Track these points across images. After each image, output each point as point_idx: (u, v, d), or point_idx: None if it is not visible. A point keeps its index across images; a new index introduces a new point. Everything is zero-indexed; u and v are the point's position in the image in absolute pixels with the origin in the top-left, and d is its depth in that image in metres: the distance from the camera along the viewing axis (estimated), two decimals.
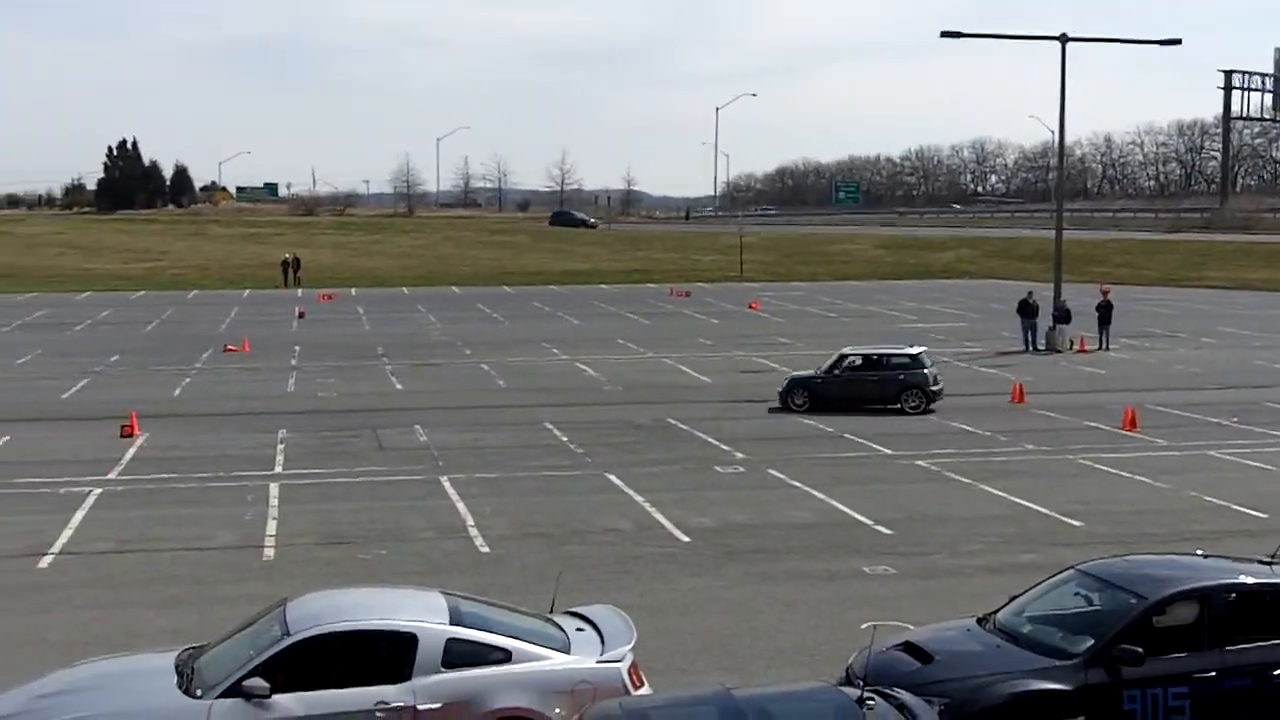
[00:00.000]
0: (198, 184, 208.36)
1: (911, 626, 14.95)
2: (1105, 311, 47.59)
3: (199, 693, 11.77)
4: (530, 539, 21.39)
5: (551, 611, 13.59)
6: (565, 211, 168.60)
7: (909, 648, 13.19)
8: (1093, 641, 12.62)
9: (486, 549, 20.86)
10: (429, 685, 11.90)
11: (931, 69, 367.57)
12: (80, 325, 58.63)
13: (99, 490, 24.92)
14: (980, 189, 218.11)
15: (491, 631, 12.40)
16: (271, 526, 22.24)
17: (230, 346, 48.73)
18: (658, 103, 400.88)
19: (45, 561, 20.26)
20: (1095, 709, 12.28)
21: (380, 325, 58.11)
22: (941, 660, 12.84)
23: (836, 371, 34.41)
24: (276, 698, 11.65)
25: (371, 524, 22.39)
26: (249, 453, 28.64)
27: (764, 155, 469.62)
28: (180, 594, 18.56)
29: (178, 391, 38.35)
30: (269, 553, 20.74)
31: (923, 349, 35.68)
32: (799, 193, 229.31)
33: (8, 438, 30.30)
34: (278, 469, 27.06)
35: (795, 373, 35.95)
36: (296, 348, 48.99)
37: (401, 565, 19.77)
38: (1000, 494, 24.39)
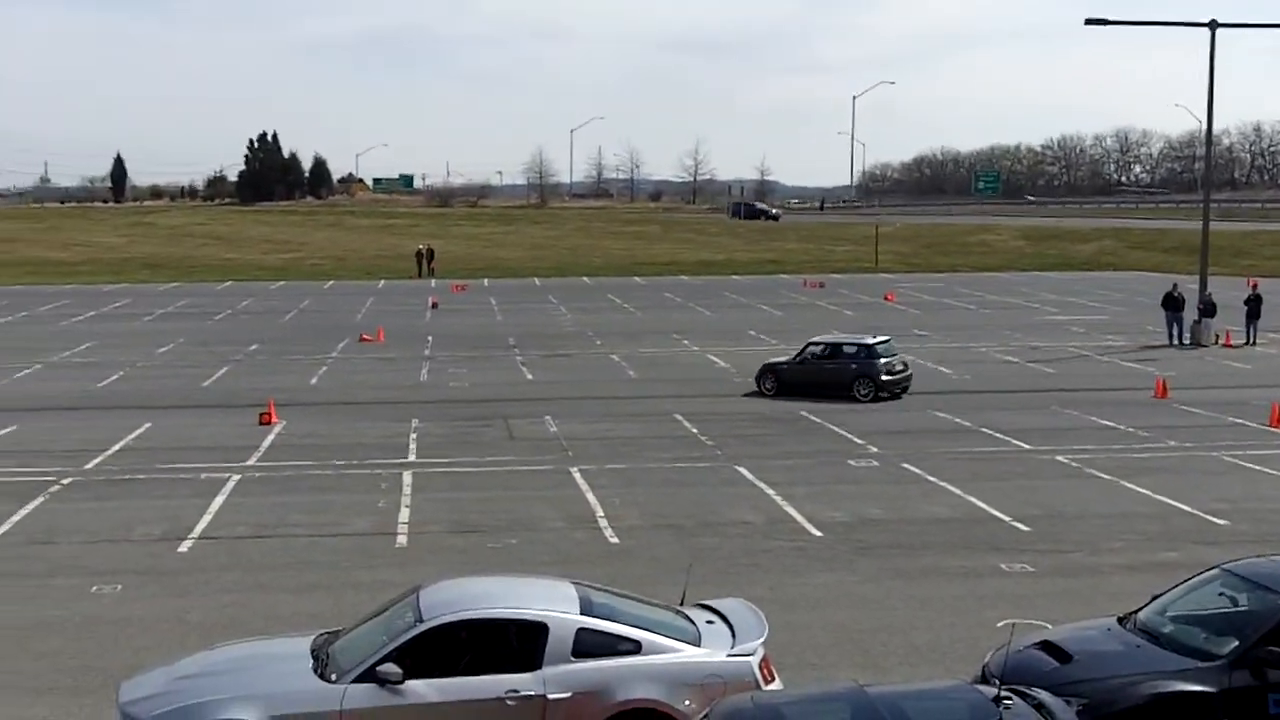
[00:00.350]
0: (335, 176, 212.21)
1: (1049, 625, 14.66)
2: (1254, 305, 46.35)
3: (334, 677, 11.87)
4: (660, 530, 21.33)
5: (682, 604, 13.49)
6: (747, 203, 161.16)
7: (1047, 647, 12.91)
8: (1238, 643, 12.25)
9: (616, 540, 20.84)
10: (559, 675, 11.88)
11: (1075, 56, 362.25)
12: (221, 315, 59.79)
13: (238, 476, 25.35)
14: (1124, 179, 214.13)
15: (622, 622, 12.35)
16: (404, 514, 22.44)
17: (365, 336, 49.35)
18: (792, 91, 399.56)
19: (185, 546, 20.63)
20: (1239, 712, 11.92)
21: (512, 316, 58.47)
22: (1081, 660, 12.55)
23: (800, 359, 35.67)
24: (409, 683, 11.71)
25: (502, 513, 22.49)
26: (383, 441, 28.94)
27: (901, 144, 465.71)
28: (316, 579, 18.79)
29: (314, 380, 38.92)
30: (402, 540, 20.92)
31: (882, 340, 35.70)
32: (937, 182, 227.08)
33: (150, 424, 30.95)
34: (411, 457, 27.30)
35: (770, 360, 37.09)
36: (430, 338, 49.47)
37: (531, 555, 19.82)
38: (1142, 491, 23.82)
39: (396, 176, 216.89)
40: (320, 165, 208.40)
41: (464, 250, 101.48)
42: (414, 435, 29.55)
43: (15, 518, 22.23)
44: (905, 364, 35.65)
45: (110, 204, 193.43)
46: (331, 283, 78.35)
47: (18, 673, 15.17)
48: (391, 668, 11.71)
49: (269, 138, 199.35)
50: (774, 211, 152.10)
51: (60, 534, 21.29)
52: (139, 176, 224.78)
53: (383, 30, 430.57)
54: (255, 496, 23.80)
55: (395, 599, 13.22)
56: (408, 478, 25.15)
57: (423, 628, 12.00)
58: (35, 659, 15.60)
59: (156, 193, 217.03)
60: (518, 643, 12.02)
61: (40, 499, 23.57)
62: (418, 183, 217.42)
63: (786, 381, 35.23)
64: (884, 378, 34.28)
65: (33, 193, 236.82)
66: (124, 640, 16.23)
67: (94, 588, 18.40)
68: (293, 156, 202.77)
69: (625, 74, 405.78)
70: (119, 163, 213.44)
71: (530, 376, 39.48)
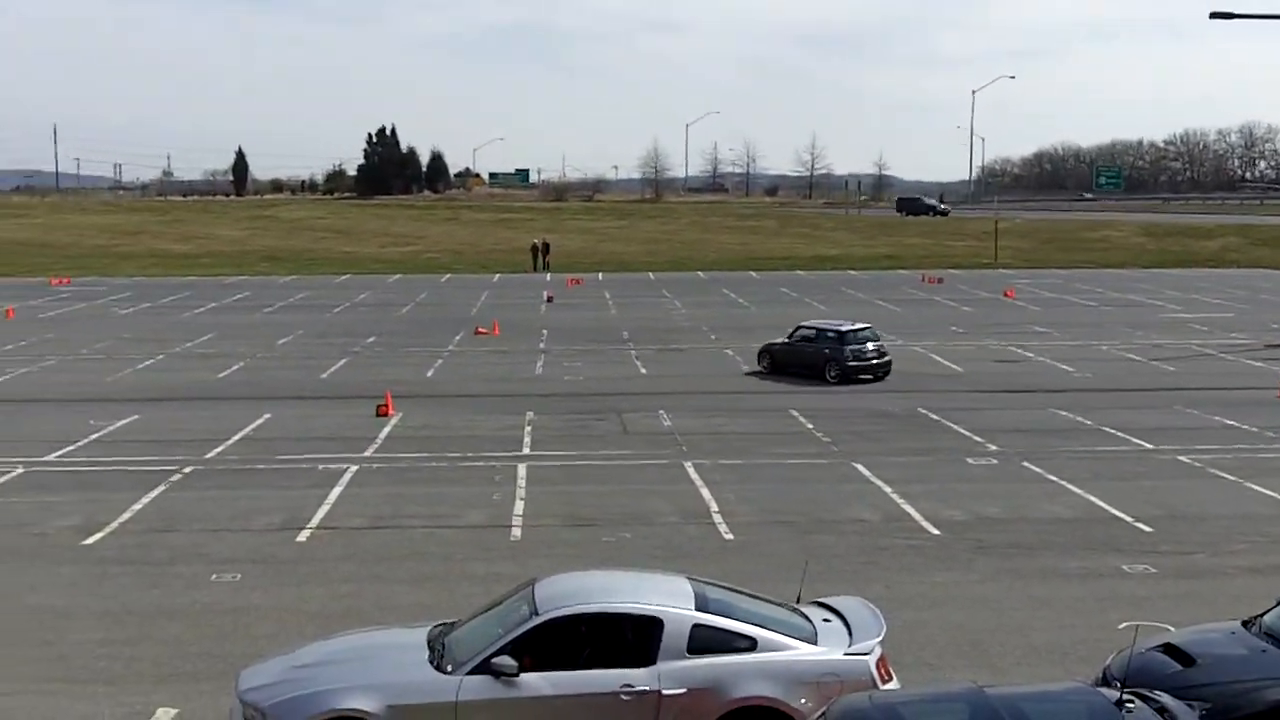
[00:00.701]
0: (452, 170, 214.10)
1: (1172, 628, 14.32)
2: None
3: (449, 668, 11.91)
4: (775, 527, 21.18)
5: (798, 601, 13.37)
6: (913, 198, 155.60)
7: (1170, 650, 12.65)
8: None
9: (730, 536, 20.73)
10: (674, 670, 11.82)
11: (1199, 51, 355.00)
12: (339, 307, 60.49)
13: (355, 467, 25.60)
14: (1248, 175, 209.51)
15: (737, 619, 12.26)
16: (519, 507, 22.51)
17: (481, 329, 49.66)
18: (910, 85, 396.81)
19: (303, 535, 20.87)
20: None
21: (626, 310, 58.52)
22: (1204, 664, 12.28)
23: (789, 342, 38.63)
24: (524, 676, 11.72)
25: (615, 507, 22.48)
26: (498, 434, 29.08)
27: (1021, 138, 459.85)
28: (431, 570, 18.91)
29: (430, 373, 39.22)
30: (516, 532, 20.98)
31: (858, 328, 37.74)
32: (1057, 177, 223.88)
33: (269, 415, 31.38)
34: (525, 450, 27.40)
35: (768, 341, 39.95)
36: (544, 331, 49.67)
37: (645, 549, 19.78)
38: (1266, 492, 23.25)
39: (513, 171, 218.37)
40: (438, 160, 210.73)
41: (579, 244, 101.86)
42: (528, 428, 29.66)
43: (138, 505, 22.64)
44: (881, 351, 37.45)
45: (232, 197, 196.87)
46: (448, 276, 78.98)
47: (139, 659, 15.43)
48: (507, 660, 11.73)
49: (388, 132, 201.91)
50: (942, 207, 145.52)
51: (181, 522, 21.64)
52: (260, 170, 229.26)
53: (501, 26, 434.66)
54: (372, 487, 24.02)
55: (510, 592, 13.25)
56: (522, 471, 25.24)
57: (538, 621, 12.01)
58: (156, 645, 15.86)
59: (277, 186, 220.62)
60: (632, 638, 11.98)
61: (162, 487, 23.99)
62: (533, 177, 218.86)
63: (778, 361, 38.34)
64: (850, 363, 36.54)
65: (156, 186, 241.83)
66: (242, 628, 16.45)
67: (214, 576, 18.67)
68: (411, 151, 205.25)
69: (742, 67, 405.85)
70: (240, 157, 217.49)
71: (644, 371, 39.47)
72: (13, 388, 36.39)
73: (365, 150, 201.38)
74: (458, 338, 47.82)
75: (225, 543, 20.39)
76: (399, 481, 24.54)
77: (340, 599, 17.61)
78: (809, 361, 37.35)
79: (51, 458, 26.70)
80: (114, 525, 21.40)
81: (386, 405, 31.55)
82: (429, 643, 12.50)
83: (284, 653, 13.05)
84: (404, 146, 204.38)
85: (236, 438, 28.60)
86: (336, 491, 23.63)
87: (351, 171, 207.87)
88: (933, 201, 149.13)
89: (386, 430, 29.44)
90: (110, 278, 78.14)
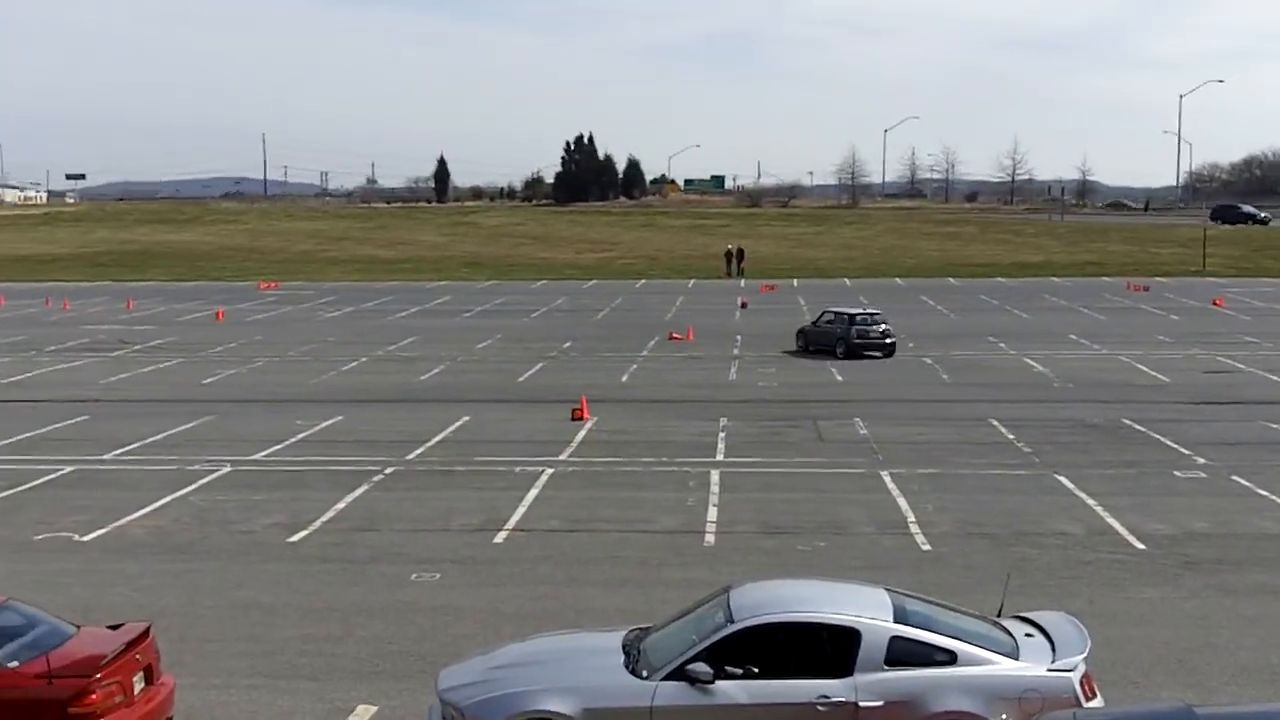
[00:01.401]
0: (648, 177, 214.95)
1: None
2: None
3: (645, 673, 11.90)
4: (974, 539, 20.78)
5: (999, 615, 13.07)
6: (1230, 205, 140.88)
7: None
8: None
9: (928, 547, 20.39)
10: (871, 682, 11.64)
11: None
12: (536, 312, 61.26)
13: (551, 470, 25.84)
14: None
15: (936, 631, 12.03)
16: (712, 513, 22.46)
17: (675, 335, 49.82)
18: (1114, 88, 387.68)
19: (500, 536, 21.12)
20: None
21: None
22: None
23: (816, 324, 46.25)
24: (719, 683, 11.65)
25: (810, 515, 22.29)
26: (691, 439, 29.08)
27: (1230, 143, 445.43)
28: (626, 574, 18.96)
29: (625, 377, 39.45)
30: (710, 539, 20.93)
31: (866, 313, 45.21)
32: (1268, 183, 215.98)
33: (468, 417, 31.87)
34: (719, 456, 27.35)
35: (802, 324, 47.99)
36: (738, 337, 49.62)
37: (840, 559, 19.57)
38: None
39: (708, 177, 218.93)
40: (634, 166, 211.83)
41: (773, 250, 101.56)
42: (722, 434, 29.61)
43: (341, 505, 23.17)
44: (886, 333, 44.20)
45: (433, 204, 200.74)
46: (642, 282, 79.46)
47: (342, 655, 15.75)
48: (702, 667, 11.67)
49: (585, 140, 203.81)
50: (1263, 215, 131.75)
51: (382, 522, 22.08)
52: (461, 177, 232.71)
53: (699, 34, 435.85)
54: (568, 490, 24.21)
55: (706, 598, 13.19)
56: (715, 476, 25.20)
57: (734, 628, 11.93)
58: (358, 643, 16.18)
59: (477, 193, 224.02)
60: (829, 648, 11.82)
61: (364, 487, 24.51)
62: (728, 183, 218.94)
63: (810, 339, 45.58)
64: (855, 341, 43.70)
65: (360, 193, 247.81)
66: (441, 627, 16.68)
67: (414, 575, 18.99)
68: (608, 158, 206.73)
69: (941, 72, 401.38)
70: (442, 164, 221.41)
71: (840, 378, 39.14)
72: (222, 389, 37.61)
73: (563, 158, 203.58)
74: (652, 343, 48.03)
75: (424, 543, 20.74)
76: (594, 485, 24.70)
77: (537, 600, 17.76)
78: (826, 340, 44.57)
79: (258, 456, 27.50)
80: (317, 524, 21.93)
81: (582, 409, 31.80)
82: (624, 647, 12.51)
83: (482, 653, 13.18)
84: (601, 154, 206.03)
85: (436, 439, 29.11)
86: (533, 494, 23.87)
87: (549, 179, 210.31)
88: (1252, 209, 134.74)
89: (582, 434, 29.67)
90: (316, 282, 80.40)
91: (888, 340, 43.97)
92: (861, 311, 45.37)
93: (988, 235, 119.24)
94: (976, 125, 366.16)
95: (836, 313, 45.44)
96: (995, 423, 30.67)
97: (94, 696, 11.80)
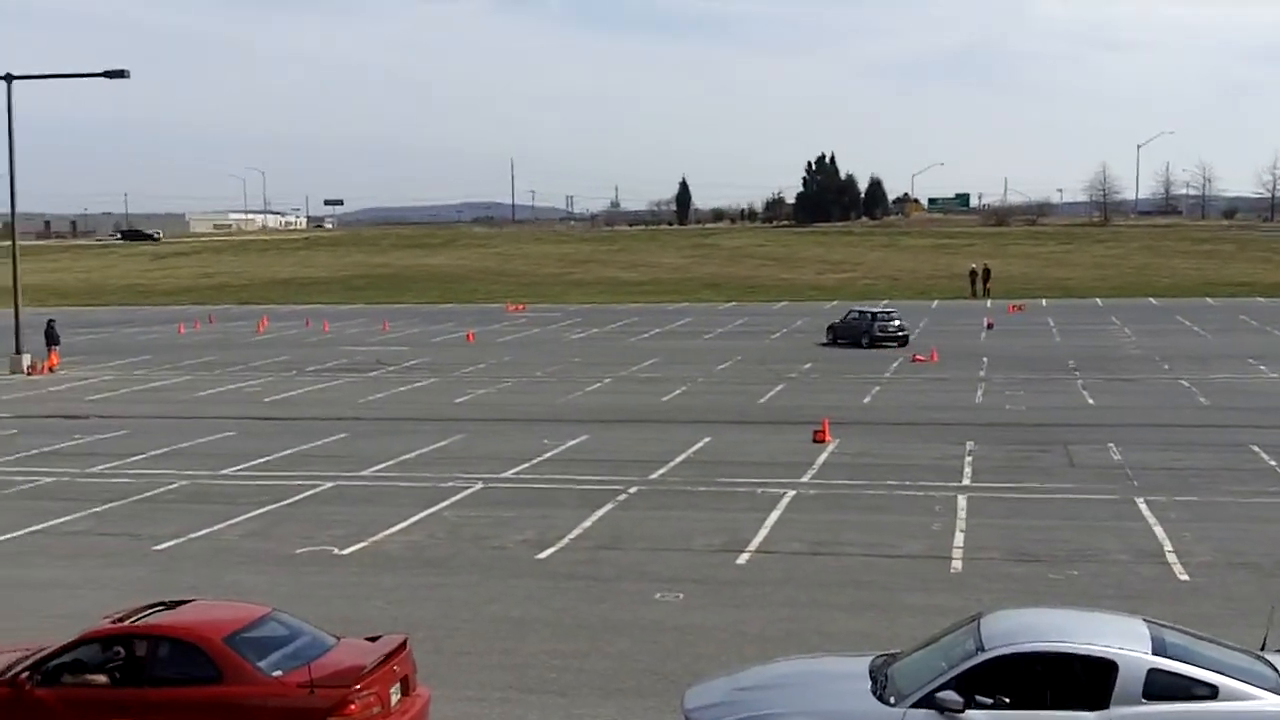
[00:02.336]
0: (890, 196, 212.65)
1: None
2: None
3: (892, 700, 11.72)
4: (1236, 569, 19.94)
5: (1263, 649, 12.51)
6: None
7: None
8: None
9: (1186, 577, 19.64)
10: (1128, 716, 11.23)
11: None
12: (777, 334, 61.19)
13: (792, 492, 25.73)
14: None
15: (1197, 665, 11.55)
16: (959, 538, 22.05)
17: (919, 356, 49.18)
18: None
19: (743, 558, 21.10)
20: None
21: (1071, 337, 56.76)
22: None
23: (844, 321, 56.21)
24: (970, 713, 11.39)
25: (1061, 543, 21.69)
26: (936, 463, 28.64)
27: None
28: (869, 599, 18.74)
29: (867, 399, 39.09)
30: (956, 565, 20.55)
31: (883, 310, 57.37)
32: None
33: (709, 438, 31.97)
34: (965, 480, 26.86)
35: (832, 321, 57.83)
36: (985, 359, 48.72)
37: (1094, 588, 18.99)
38: None
39: (952, 195, 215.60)
40: (876, 186, 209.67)
41: (1021, 269, 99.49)
42: (968, 458, 29.08)
43: (587, 523, 23.47)
44: (900, 327, 54.34)
45: (675, 226, 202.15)
46: (885, 302, 78.72)
47: (589, 671, 15.92)
48: (952, 695, 11.44)
49: (826, 159, 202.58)
50: None
51: (626, 540, 22.28)
52: (702, 199, 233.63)
53: (941, 50, 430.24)
54: (809, 513, 24.07)
55: (955, 625, 12.95)
56: (962, 501, 24.75)
57: (984, 657, 11.66)
58: (604, 659, 16.33)
59: (718, 215, 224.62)
60: (1084, 680, 11.46)
61: (609, 506, 24.79)
62: (974, 201, 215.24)
63: (838, 334, 55.20)
64: (876, 334, 53.55)
65: (604, 216, 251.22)
66: (685, 647, 16.72)
67: (657, 594, 19.10)
68: (849, 178, 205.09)
69: (1197, 86, 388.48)
70: (684, 187, 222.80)
71: (1092, 401, 38.08)
72: (473, 408, 38.52)
73: (804, 178, 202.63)
74: (895, 364, 47.51)
75: (667, 562, 20.85)
76: (836, 508, 24.50)
77: (779, 623, 17.68)
78: (851, 334, 54.30)
79: (508, 474, 28.06)
80: (565, 541, 22.25)
81: (823, 431, 31.61)
82: (871, 673, 12.34)
83: (727, 674, 13.17)
84: (842, 173, 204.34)
85: (679, 460, 29.28)
86: (775, 515, 23.80)
87: (790, 199, 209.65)
88: None
89: (823, 456, 29.48)
90: (562, 304, 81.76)
91: (901, 333, 54.02)
92: (880, 310, 57.77)
93: (1247, 253, 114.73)
94: (1234, 140, 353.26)
95: (860, 311, 56.83)
96: (1257, 449, 29.43)
97: (353, 707, 12.15)
